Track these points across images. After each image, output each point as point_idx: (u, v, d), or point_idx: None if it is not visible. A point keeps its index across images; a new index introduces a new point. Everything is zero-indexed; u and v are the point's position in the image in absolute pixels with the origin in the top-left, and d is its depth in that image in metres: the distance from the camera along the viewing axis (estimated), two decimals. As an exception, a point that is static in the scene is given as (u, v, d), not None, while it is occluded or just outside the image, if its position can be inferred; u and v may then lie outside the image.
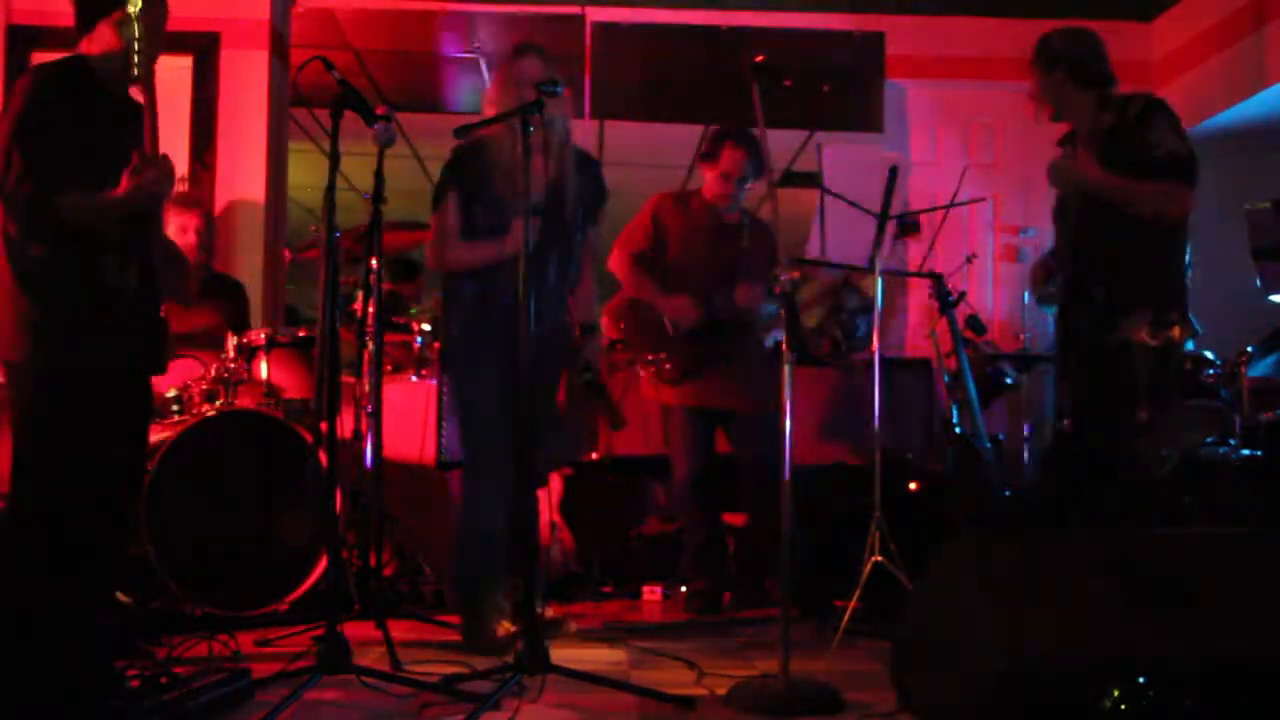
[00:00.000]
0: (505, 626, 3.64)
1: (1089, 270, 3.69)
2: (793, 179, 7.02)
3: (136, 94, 3.20)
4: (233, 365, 4.31)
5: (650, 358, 4.45)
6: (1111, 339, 3.58)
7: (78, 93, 3.06)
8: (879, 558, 3.72)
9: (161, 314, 3.24)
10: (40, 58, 5.57)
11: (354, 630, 2.99)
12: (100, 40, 3.13)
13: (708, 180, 4.59)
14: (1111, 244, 3.62)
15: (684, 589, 4.59)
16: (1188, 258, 3.69)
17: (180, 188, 5.39)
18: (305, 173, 6.51)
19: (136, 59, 2.98)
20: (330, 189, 2.98)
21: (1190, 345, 4.03)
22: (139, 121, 3.17)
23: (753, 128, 3.83)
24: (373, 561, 3.98)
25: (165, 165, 3.06)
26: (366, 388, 4.29)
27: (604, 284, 4.26)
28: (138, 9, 2.96)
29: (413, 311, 5.31)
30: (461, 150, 3.69)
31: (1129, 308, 3.55)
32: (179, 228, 4.81)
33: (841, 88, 6.41)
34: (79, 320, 3.04)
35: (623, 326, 4.64)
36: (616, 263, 4.60)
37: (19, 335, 3.02)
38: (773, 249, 4.62)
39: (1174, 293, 3.60)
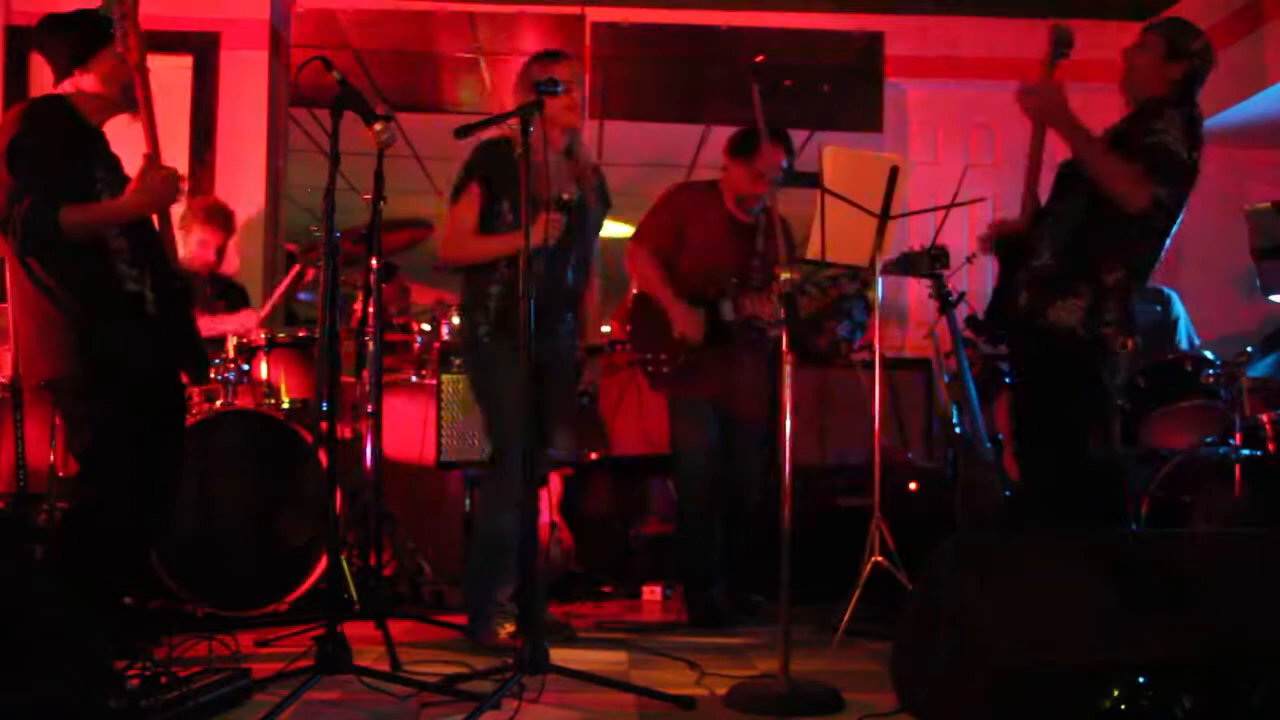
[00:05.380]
0: (508, 628, 3.64)
1: (1047, 244, 3.47)
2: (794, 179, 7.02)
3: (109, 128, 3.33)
4: (233, 365, 4.31)
5: (649, 358, 4.37)
6: (1042, 321, 3.40)
7: (63, 124, 3.20)
8: (879, 558, 3.73)
9: (194, 325, 3.37)
10: (40, 58, 5.60)
11: (354, 630, 2.99)
12: (78, 83, 3.26)
13: (736, 176, 4.38)
14: (1078, 224, 3.42)
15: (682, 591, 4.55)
16: (1151, 265, 3.47)
17: (183, 185, 5.42)
18: (305, 173, 6.51)
19: (128, 46, 3.11)
20: (330, 189, 2.98)
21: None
22: (116, 163, 3.30)
23: (752, 127, 3.81)
24: (373, 561, 3.98)
25: (172, 172, 3.19)
26: (367, 388, 4.30)
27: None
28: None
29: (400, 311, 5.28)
30: (487, 146, 3.66)
31: (1066, 291, 3.38)
32: (200, 241, 4.81)
33: (841, 88, 6.41)
34: (108, 328, 3.16)
35: (629, 325, 4.52)
36: (633, 257, 4.43)
37: (58, 353, 3.16)
38: (790, 250, 4.55)
39: (1114, 292, 3.37)
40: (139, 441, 3.19)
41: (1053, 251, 3.46)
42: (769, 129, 4.31)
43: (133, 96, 3.19)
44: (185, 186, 3.55)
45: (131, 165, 3.27)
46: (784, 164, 4.34)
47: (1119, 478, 3.54)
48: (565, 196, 3.66)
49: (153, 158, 3.16)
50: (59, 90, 3.27)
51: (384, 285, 5.71)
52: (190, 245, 4.77)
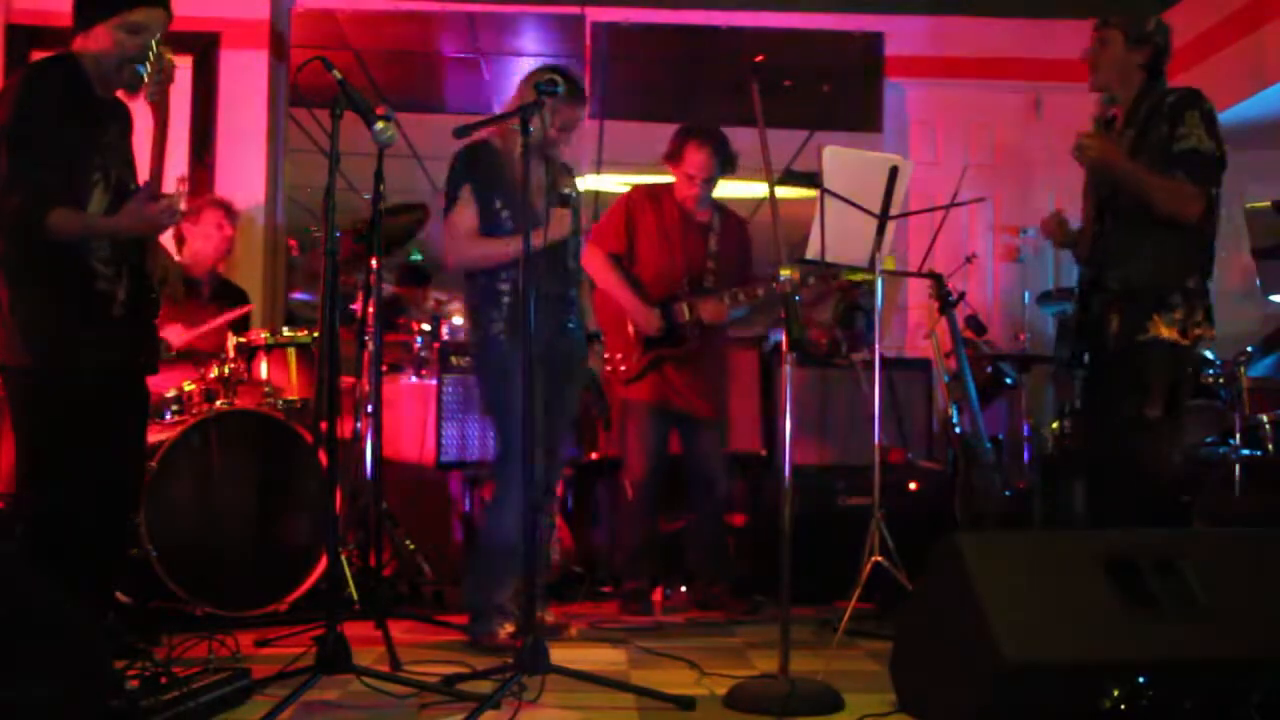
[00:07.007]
0: (508, 629, 3.64)
1: (1117, 265, 3.57)
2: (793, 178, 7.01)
3: (122, 96, 3.28)
4: (233, 365, 4.31)
5: (607, 356, 4.43)
6: (1143, 337, 3.49)
7: (66, 91, 3.10)
8: (879, 558, 3.72)
9: (155, 322, 3.32)
10: (40, 57, 5.61)
11: (354, 630, 2.99)
12: (95, 41, 3.17)
13: (675, 180, 4.56)
14: (1140, 239, 3.54)
15: (619, 589, 4.64)
16: (1213, 259, 3.61)
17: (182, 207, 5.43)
18: (305, 173, 6.50)
19: (155, 81, 3.09)
20: (330, 189, 2.98)
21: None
22: (124, 125, 3.24)
23: (752, 127, 3.82)
24: (373, 561, 3.98)
25: (172, 202, 3.17)
26: (366, 388, 4.30)
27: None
28: (159, 41, 3.08)
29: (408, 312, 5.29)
30: (472, 149, 3.67)
31: (1161, 305, 3.48)
32: (217, 224, 4.90)
33: (841, 88, 6.40)
34: (72, 324, 3.08)
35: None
36: (589, 259, 4.48)
37: (15, 339, 3.06)
38: (744, 246, 4.67)
39: (1198, 293, 3.52)
40: (96, 441, 3.15)
41: (1126, 272, 3.54)
42: (691, 130, 4.42)
43: (134, 76, 3.15)
44: (183, 208, 3.50)
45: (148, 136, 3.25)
46: (712, 162, 4.46)
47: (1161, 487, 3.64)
48: (565, 191, 3.68)
49: (153, 187, 3.13)
50: (76, 46, 3.18)
51: (414, 289, 5.76)
52: (207, 230, 4.84)
